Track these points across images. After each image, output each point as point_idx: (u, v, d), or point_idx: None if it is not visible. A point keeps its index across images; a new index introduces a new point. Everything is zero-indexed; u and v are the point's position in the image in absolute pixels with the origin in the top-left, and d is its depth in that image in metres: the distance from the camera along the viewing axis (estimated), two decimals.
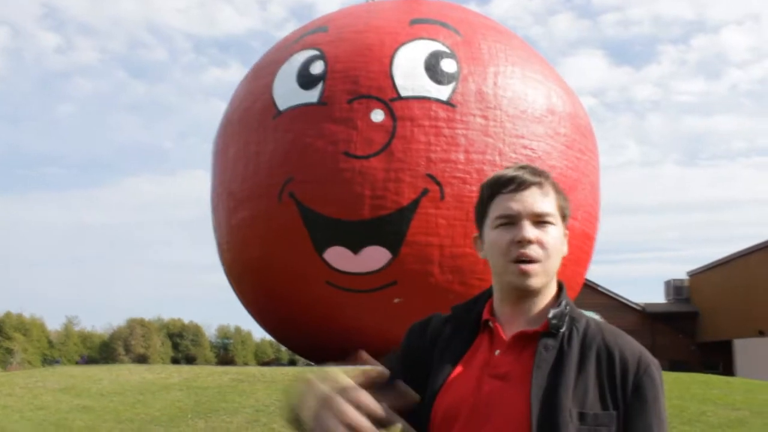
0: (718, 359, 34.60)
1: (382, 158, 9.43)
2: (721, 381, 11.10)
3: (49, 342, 74.83)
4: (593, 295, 29.91)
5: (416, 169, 9.44)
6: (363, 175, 9.41)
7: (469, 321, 1.71)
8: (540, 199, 1.62)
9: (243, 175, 10.35)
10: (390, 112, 9.54)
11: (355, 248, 9.33)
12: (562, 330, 1.56)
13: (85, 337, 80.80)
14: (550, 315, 1.57)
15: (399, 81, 9.69)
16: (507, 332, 1.62)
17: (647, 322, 35.09)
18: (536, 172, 1.66)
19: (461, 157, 9.61)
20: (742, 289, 32.96)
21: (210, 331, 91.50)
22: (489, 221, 1.66)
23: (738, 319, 31.69)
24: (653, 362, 1.56)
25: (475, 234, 1.72)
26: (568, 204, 1.69)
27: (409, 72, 9.75)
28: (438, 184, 9.45)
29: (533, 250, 1.58)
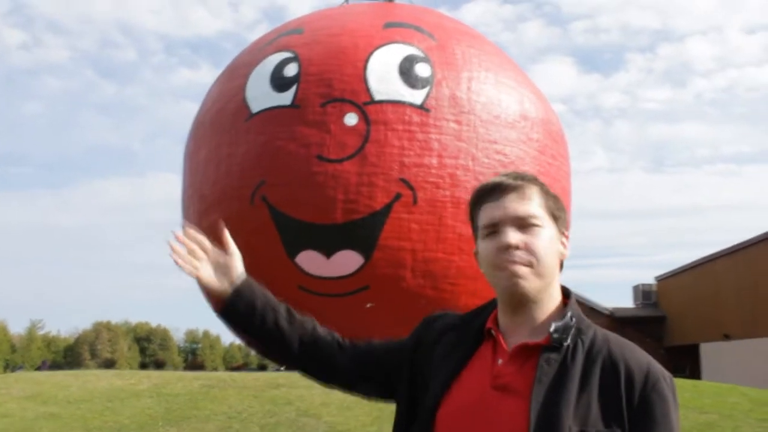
0: (685, 363, 35.25)
1: (356, 162, 9.36)
2: (689, 384, 11.25)
3: (12, 346, 73.38)
4: None
5: (389, 173, 9.38)
6: (336, 179, 9.32)
7: (474, 329, 1.69)
8: (521, 203, 1.63)
9: (214, 177, 10.19)
10: (364, 116, 9.47)
11: (328, 252, 9.24)
12: (566, 343, 1.51)
13: (49, 342, 79.41)
14: (552, 328, 1.55)
15: (373, 85, 9.64)
16: (510, 342, 1.64)
17: (616, 326, 35.59)
18: (517, 176, 1.64)
19: (434, 161, 9.58)
20: (708, 294, 33.56)
21: (178, 335, 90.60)
22: (479, 235, 1.64)
23: (705, 324, 32.22)
24: (663, 376, 1.53)
25: (475, 249, 1.70)
26: (560, 204, 1.65)
27: (383, 76, 9.70)
28: (411, 188, 9.40)
29: (519, 256, 1.58)
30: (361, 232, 10.15)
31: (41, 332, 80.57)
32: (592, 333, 1.62)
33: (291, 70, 10.92)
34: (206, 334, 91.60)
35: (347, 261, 10.45)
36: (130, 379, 8.46)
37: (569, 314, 1.63)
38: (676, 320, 38.71)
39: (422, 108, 10.85)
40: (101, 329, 77.81)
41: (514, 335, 1.65)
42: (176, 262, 1.83)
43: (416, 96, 10.76)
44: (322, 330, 1.94)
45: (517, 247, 1.61)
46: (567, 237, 1.70)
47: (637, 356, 1.58)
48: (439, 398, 1.64)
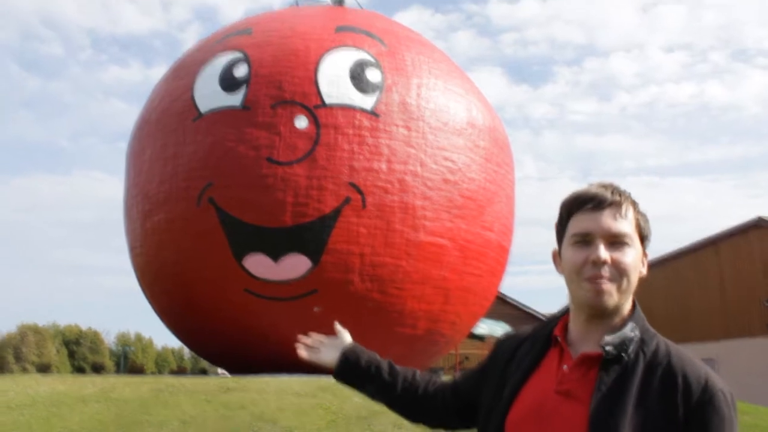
0: None
1: (305, 165, 9.36)
2: None
3: None
4: (502, 306, 30.64)
5: (339, 177, 9.41)
6: (285, 182, 9.30)
7: (543, 336, 1.72)
8: (617, 220, 1.61)
9: (160, 177, 10.03)
10: (314, 119, 9.48)
11: (276, 256, 9.20)
12: (625, 355, 1.55)
13: None
14: (604, 341, 1.57)
15: (324, 88, 9.65)
16: (580, 348, 1.63)
17: None
18: (616, 191, 1.64)
19: (384, 166, 9.65)
20: (641, 301, 34.77)
21: (109, 338, 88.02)
22: (566, 239, 1.64)
23: None
24: (721, 390, 1.51)
25: (555, 249, 1.70)
26: (649, 225, 1.67)
27: (334, 80, 9.72)
28: (360, 192, 9.45)
29: (606, 271, 1.58)
30: (309, 236, 10.07)
31: None
32: (654, 344, 1.61)
33: (241, 70, 10.80)
34: (138, 336, 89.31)
35: (295, 265, 10.34)
36: (72, 384, 8.16)
37: (630, 326, 1.62)
38: None
39: (372, 113, 10.87)
40: (27, 332, 74.78)
41: (584, 343, 1.65)
42: (301, 354, 2.26)
43: (366, 101, 10.78)
44: (420, 378, 2.03)
45: (605, 263, 1.60)
46: (647, 256, 1.72)
47: (696, 369, 1.55)
48: (510, 402, 1.66)
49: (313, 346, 2.24)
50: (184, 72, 10.68)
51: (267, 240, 9.28)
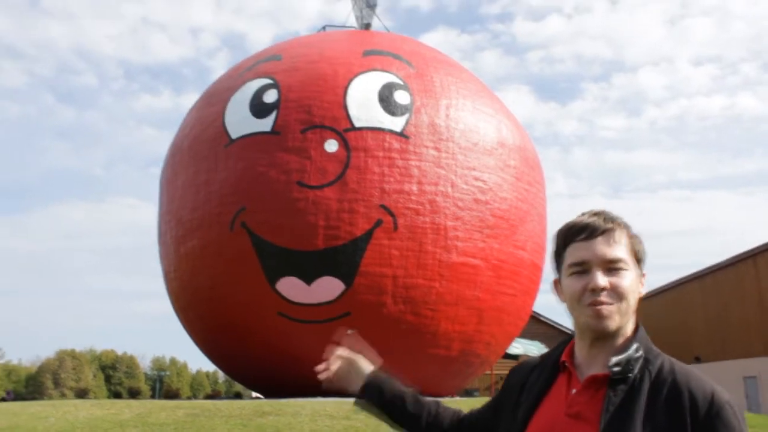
0: None
1: (336, 188, 9.41)
2: None
3: None
4: (537, 325, 30.36)
5: (370, 199, 9.44)
6: (317, 205, 9.36)
7: (552, 362, 1.77)
8: (611, 246, 1.67)
9: (193, 203, 10.17)
10: (344, 143, 9.55)
11: (309, 279, 9.23)
12: (631, 374, 1.58)
13: (9, 371, 77.36)
14: (611, 363, 1.60)
15: (353, 111, 9.72)
16: (586, 372, 1.68)
17: None
18: (607, 218, 1.72)
19: (414, 188, 9.67)
20: (679, 317, 34.10)
21: (144, 363, 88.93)
22: (564, 269, 1.70)
23: (676, 346, 32.63)
24: (728, 404, 1.53)
25: (555, 278, 1.77)
26: (643, 247, 1.73)
27: (363, 103, 9.79)
28: (391, 214, 9.47)
29: (606, 296, 1.64)
30: (342, 259, 10.09)
31: (1, 361, 78.52)
32: (659, 362, 1.65)
33: (270, 96, 10.93)
34: (173, 361, 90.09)
35: (328, 287, 10.35)
36: (110, 409, 8.25)
37: (634, 346, 1.66)
38: None
39: (402, 135, 10.89)
40: (65, 357, 75.88)
41: (590, 366, 1.70)
42: (322, 379, 2.34)
43: (396, 123, 10.82)
44: (444, 411, 2.15)
45: (603, 289, 1.66)
46: (644, 276, 1.77)
47: (701, 384, 1.59)
48: (523, 428, 1.72)
49: (336, 371, 2.29)
50: (216, 99, 10.85)
51: (299, 263, 9.32)
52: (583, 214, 1.76)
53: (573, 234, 1.70)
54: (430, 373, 10.04)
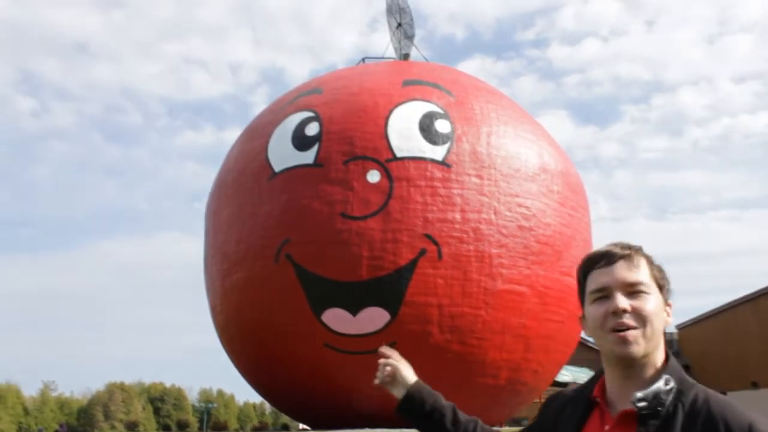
0: None
1: (379, 219, 9.44)
2: None
3: (25, 409, 72.60)
4: (586, 351, 29.78)
5: (413, 229, 9.45)
6: (360, 236, 9.39)
7: (584, 399, 1.75)
8: (631, 270, 1.66)
9: (238, 236, 10.30)
10: (386, 173, 9.60)
11: (354, 310, 9.24)
12: (662, 408, 1.54)
13: (62, 403, 78.67)
14: (634, 398, 1.58)
15: (394, 142, 9.78)
16: (618, 407, 1.66)
17: None
18: (626, 246, 1.72)
19: (458, 216, 9.65)
20: (733, 341, 33.04)
21: (192, 395, 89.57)
22: (586, 298, 1.70)
23: (730, 372, 31.64)
24: None
25: (581, 314, 1.76)
26: (665, 275, 1.72)
27: (404, 133, 9.85)
28: (435, 243, 9.45)
29: (628, 319, 1.63)
30: (386, 289, 10.09)
31: (54, 394, 79.86)
32: (693, 394, 1.60)
33: (312, 129, 11.06)
34: (220, 393, 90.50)
35: (374, 318, 10.36)
36: None
37: (663, 378, 1.62)
38: (701, 368, 38.02)
39: (444, 163, 10.91)
40: (115, 390, 76.87)
41: (621, 401, 1.67)
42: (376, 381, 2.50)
43: (437, 152, 10.84)
44: (481, 431, 2.14)
45: (625, 311, 1.62)
46: (670, 305, 1.74)
47: (738, 415, 1.53)
48: None
49: (389, 375, 2.45)
50: (258, 133, 11.03)
51: (345, 294, 9.35)
52: (602, 246, 1.78)
53: (592, 263, 1.71)
54: (477, 403, 9.91)
